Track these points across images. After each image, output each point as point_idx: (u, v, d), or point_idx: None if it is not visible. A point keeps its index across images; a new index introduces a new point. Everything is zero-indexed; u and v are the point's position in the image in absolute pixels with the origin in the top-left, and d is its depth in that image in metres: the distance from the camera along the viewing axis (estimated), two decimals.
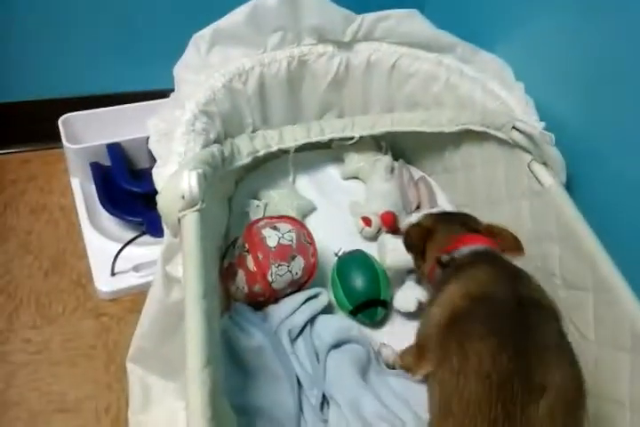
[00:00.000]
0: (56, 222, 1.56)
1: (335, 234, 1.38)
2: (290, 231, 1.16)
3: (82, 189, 1.57)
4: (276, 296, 1.17)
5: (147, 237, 1.46)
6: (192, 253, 0.88)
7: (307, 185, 1.50)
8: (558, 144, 1.16)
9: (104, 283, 1.39)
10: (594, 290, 1.07)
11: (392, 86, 1.40)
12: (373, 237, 1.38)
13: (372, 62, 1.35)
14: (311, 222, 1.40)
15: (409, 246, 1.16)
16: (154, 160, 1.09)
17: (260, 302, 1.17)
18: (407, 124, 1.39)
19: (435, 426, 0.87)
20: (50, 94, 1.66)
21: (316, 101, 1.39)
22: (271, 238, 1.14)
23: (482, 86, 1.33)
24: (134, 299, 1.37)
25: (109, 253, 1.40)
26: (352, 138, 1.39)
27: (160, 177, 1.04)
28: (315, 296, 1.19)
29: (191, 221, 0.93)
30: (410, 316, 1.24)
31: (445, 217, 1.20)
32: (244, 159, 1.24)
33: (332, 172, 1.56)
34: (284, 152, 1.37)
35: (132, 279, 1.39)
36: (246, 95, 1.26)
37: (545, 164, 1.21)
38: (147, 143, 1.13)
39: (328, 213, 1.45)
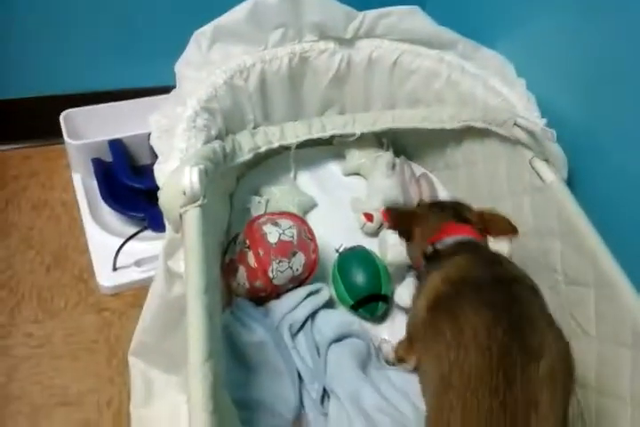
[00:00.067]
0: (58, 218, 1.57)
1: (336, 230, 1.38)
2: (291, 227, 1.17)
3: (83, 184, 1.58)
4: (277, 292, 1.18)
5: (148, 232, 1.46)
6: (194, 249, 0.89)
7: (308, 181, 1.50)
8: (559, 140, 1.16)
9: (106, 278, 1.39)
10: (595, 286, 1.07)
11: (393, 83, 1.40)
12: (374, 233, 1.39)
13: (374, 59, 1.35)
14: (312, 219, 1.40)
15: (399, 232, 1.16)
16: (155, 156, 1.10)
17: (262, 297, 1.18)
18: (408, 121, 1.39)
19: (434, 404, 0.87)
20: (51, 91, 1.66)
21: (318, 98, 1.39)
22: (272, 235, 1.14)
23: (483, 83, 1.33)
24: (136, 294, 1.37)
25: (111, 249, 1.41)
26: (353, 134, 1.40)
27: (161, 173, 1.04)
28: (316, 291, 1.19)
29: (193, 216, 0.93)
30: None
31: (437, 205, 1.20)
32: (246, 155, 1.24)
33: (333, 168, 1.56)
34: (285, 148, 1.37)
35: (134, 274, 1.40)
36: (247, 92, 1.26)
37: (546, 160, 1.21)
38: (148, 139, 1.14)
39: (329, 209, 1.45)
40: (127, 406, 1.09)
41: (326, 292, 1.20)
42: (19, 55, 1.57)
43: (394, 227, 1.16)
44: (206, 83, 1.18)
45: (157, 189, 1.00)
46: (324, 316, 1.17)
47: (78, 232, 1.50)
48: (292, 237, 1.15)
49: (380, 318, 1.26)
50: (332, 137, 1.42)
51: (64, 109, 1.58)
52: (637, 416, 0.97)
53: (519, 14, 1.34)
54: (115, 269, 1.40)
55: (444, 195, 1.53)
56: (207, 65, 1.20)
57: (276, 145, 1.31)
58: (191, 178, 0.94)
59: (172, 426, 0.96)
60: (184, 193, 0.94)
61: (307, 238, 1.19)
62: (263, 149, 1.29)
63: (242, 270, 1.15)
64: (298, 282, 1.19)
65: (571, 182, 1.21)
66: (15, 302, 1.37)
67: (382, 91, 1.41)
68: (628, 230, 1.11)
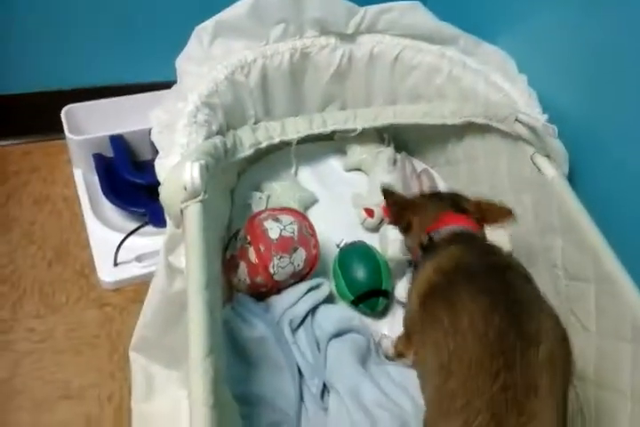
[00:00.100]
0: (59, 213, 1.57)
1: (337, 226, 1.38)
2: (291, 223, 1.17)
3: (84, 179, 1.58)
4: (278, 287, 1.18)
5: (149, 228, 1.46)
6: (194, 244, 0.89)
7: (309, 177, 1.50)
8: (561, 136, 1.16)
9: (107, 273, 1.40)
10: (595, 281, 1.07)
11: (395, 79, 1.40)
12: (375, 229, 1.39)
13: (375, 54, 1.35)
14: (313, 214, 1.40)
15: (397, 223, 1.17)
16: (156, 152, 1.10)
17: (263, 292, 1.18)
18: (410, 117, 1.39)
19: (434, 397, 0.87)
20: (52, 86, 1.66)
21: (319, 93, 1.39)
22: (273, 230, 1.14)
23: (484, 78, 1.32)
24: (137, 289, 1.38)
25: (112, 244, 1.41)
26: (354, 130, 1.39)
27: (162, 168, 1.04)
28: (316, 287, 1.19)
29: (193, 212, 0.94)
30: None
31: (436, 195, 1.20)
32: (247, 151, 1.24)
33: (334, 164, 1.56)
34: (286, 144, 1.37)
35: (135, 269, 1.40)
36: (248, 87, 1.26)
37: (547, 156, 1.21)
38: (149, 135, 1.14)
39: (330, 204, 1.45)
40: (128, 400, 1.10)
41: (327, 287, 1.20)
42: (19, 50, 1.57)
43: (393, 218, 1.16)
44: (207, 78, 1.18)
45: (158, 184, 1.01)
46: (324, 311, 1.17)
47: (79, 227, 1.51)
48: (293, 232, 1.15)
49: (381, 314, 1.26)
50: (333, 132, 1.42)
51: (65, 105, 1.58)
52: (637, 410, 0.97)
53: (520, 9, 1.33)
54: (116, 264, 1.40)
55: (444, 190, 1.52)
56: (208, 60, 1.20)
57: (276, 140, 1.31)
58: (192, 173, 0.94)
59: (173, 421, 0.96)
60: (185, 188, 0.94)
61: (307, 234, 1.19)
62: (264, 144, 1.28)
63: (243, 266, 1.15)
64: (299, 277, 1.19)
65: (572, 178, 1.21)
66: (17, 297, 1.38)
67: (383, 86, 1.41)
68: (629, 226, 1.11)
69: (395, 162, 1.50)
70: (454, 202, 1.12)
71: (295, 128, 1.34)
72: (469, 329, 0.84)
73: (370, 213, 1.37)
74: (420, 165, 1.58)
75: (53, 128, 1.57)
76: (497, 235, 1.23)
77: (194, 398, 0.73)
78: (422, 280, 0.99)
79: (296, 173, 1.49)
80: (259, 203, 1.38)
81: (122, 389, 1.22)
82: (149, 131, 1.14)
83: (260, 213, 1.22)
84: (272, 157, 1.48)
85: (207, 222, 0.94)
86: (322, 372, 1.08)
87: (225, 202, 1.34)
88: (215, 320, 0.84)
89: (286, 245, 1.14)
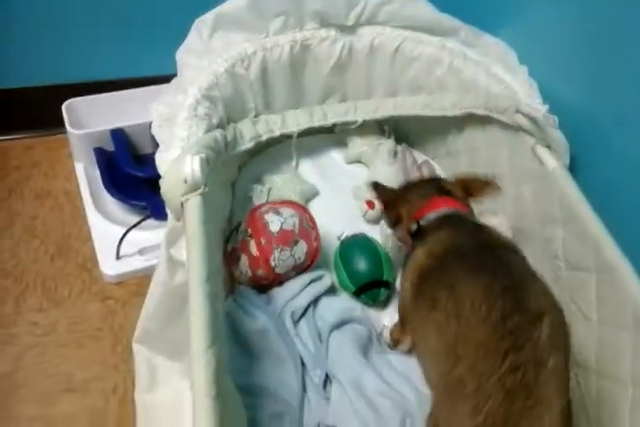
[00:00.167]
0: (61, 207, 1.57)
1: (338, 218, 1.39)
2: (292, 216, 1.17)
3: (86, 173, 1.58)
4: (279, 280, 1.18)
5: (151, 221, 1.46)
6: (195, 237, 0.89)
7: (310, 170, 1.50)
8: (562, 127, 1.16)
9: (109, 267, 1.40)
10: (596, 271, 1.07)
11: (395, 70, 1.39)
12: (376, 221, 1.39)
13: (376, 46, 1.34)
14: (314, 207, 1.40)
15: (387, 217, 1.17)
16: (157, 145, 1.10)
17: (264, 285, 1.18)
18: (410, 108, 1.39)
19: (441, 378, 0.87)
20: (52, 80, 1.66)
21: (319, 86, 1.39)
22: (274, 224, 1.14)
23: (485, 70, 1.32)
24: (139, 282, 1.38)
25: (114, 237, 1.41)
26: (355, 122, 1.39)
27: (163, 161, 1.04)
28: (318, 278, 1.19)
29: (194, 205, 0.94)
30: None
31: (417, 184, 1.20)
32: (247, 144, 1.24)
33: (334, 156, 1.56)
34: (286, 137, 1.37)
35: (137, 263, 1.41)
36: (249, 80, 1.26)
37: (548, 146, 1.21)
38: (150, 128, 1.14)
39: (331, 197, 1.45)
40: (132, 392, 1.10)
41: (328, 279, 1.20)
42: (20, 45, 1.57)
43: (384, 211, 1.16)
44: (207, 71, 1.18)
45: (159, 177, 1.01)
46: (325, 302, 1.18)
47: (81, 221, 1.51)
48: (294, 225, 1.15)
49: (383, 305, 1.26)
50: (334, 125, 1.42)
51: (66, 99, 1.58)
52: (638, 399, 0.97)
53: (521, 1, 1.33)
54: (118, 257, 1.40)
55: None
56: (208, 53, 1.20)
57: (277, 133, 1.31)
58: (192, 166, 0.94)
59: (177, 412, 0.96)
60: (185, 181, 0.94)
61: (308, 227, 1.19)
62: (264, 137, 1.28)
63: (244, 259, 1.15)
64: (300, 270, 1.19)
65: (573, 168, 1.21)
66: (20, 291, 1.38)
67: (384, 78, 1.41)
68: (630, 216, 1.11)
69: (395, 154, 1.50)
70: (438, 186, 1.12)
71: (296, 121, 1.34)
72: (472, 311, 0.84)
73: (371, 205, 1.38)
74: (420, 157, 1.58)
75: (54, 122, 1.57)
76: (498, 226, 1.24)
77: (196, 390, 0.73)
78: (414, 266, 0.99)
79: (297, 166, 1.49)
80: (259, 196, 1.38)
81: (125, 381, 1.23)
82: (150, 124, 1.14)
83: (260, 206, 1.22)
84: (273, 150, 1.48)
85: (208, 215, 0.94)
86: (324, 362, 1.08)
87: (226, 195, 1.34)
88: (217, 312, 0.84)
89: (287, 238, 1.14)
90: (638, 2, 1.02)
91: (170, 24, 1.31)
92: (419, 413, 1.01)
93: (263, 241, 1.13)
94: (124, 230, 1.42)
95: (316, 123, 1.35)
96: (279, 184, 1.40)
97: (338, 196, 1.45)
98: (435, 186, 1.12)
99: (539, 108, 1.21)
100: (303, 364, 1.08)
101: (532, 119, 1.20)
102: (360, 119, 1.39)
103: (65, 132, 1.55)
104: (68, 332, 1.31)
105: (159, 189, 0.99)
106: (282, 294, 1.16)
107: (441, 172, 1.55)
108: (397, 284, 1.25)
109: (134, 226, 1.43)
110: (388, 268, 1.23)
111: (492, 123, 1.33)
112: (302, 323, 1.14)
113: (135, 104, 1.57)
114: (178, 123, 1.09)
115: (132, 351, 1.11)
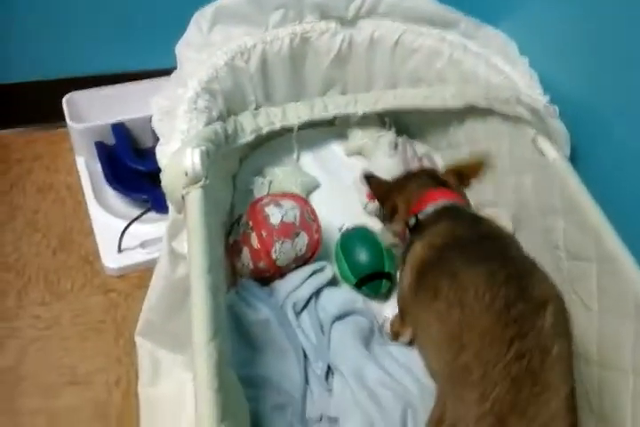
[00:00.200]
0: (62, 201, 1.57)
1: (339, 210, 1.39)
2: (293, 208, 1.17)
3: (87, 167, 1.58)
4: (281, 272, 1.18)
5: (153, 215, 1.47)
6: (196, 229, 0.89)
7: (311, 162, 1.50)
8: (562, 117, 1.16)
9: (111, 260, 1.41)
10: (597, 261, 1.07)
11: (395, 63, 1.39)
12: (377, 213, 1.39)
13: (376, 39, 1.34)
14: (315, 199, 1.40)
15: (384, 210, 1.17)
16: (158, 139, 1.10)
17: (266, 277, 1.19)
18: (410, 100, 1.38)
19: (445, 367, 0.87)
20: (53, 74, 1.66)
21: (319, 79, 1.39)
22: (274, 216, 1.15)
23: (485, 61, 1.31)
24: (141, 275, 1.39)
25: (116, 231, 1.42)
26: (355, 114, 1.39)
27: (163, 154, 1.04)
28: (319, 270, 1.20)
29: (195, 197, 0.94)
30: None
31: (411, 176, 1.19)
32: (248, 137, 1.24)
33: (335, 148, 1.55)
34: (287, 130, 1.36)
35: (139, 256, 1.41)
36: (249, 73, 1.26)
37: (549, 137, 1.21)
38: (151, 122, 1.14)
39: (332, 189, 1.45)
40: (135, 385, 1.10)
41: (329, 270, 1.21)
42: (20, 39, 1.57)
43: (380, 203, 1.16)
44: (207, 64, 1.17)
45: (160, 171, 1.01)
46: (327, 294, 1.18)
47: (83, 215, 1.51)
48: (295, 217, 1.16)
49: (384, 297, 1.27)
50: (335, 118, 1.42)
51: (67, 93, 1.58)
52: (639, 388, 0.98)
53: None
54: (120, 250, 1.41)
55: None
56: (208, 46, 1.19)
57: (278, 126, 1.31)
58: (193, 159, 0.95)
59: (179, 404, 0.97)
60: (186, 174, 0.94)
61: (309, 219, 1.19)
62: (265, 130, 1.28)
63: (245, 251, 1.16)
64: (301, 262, 1.19)
65: (573, 159, 1.20)
66: (22, 285, 1.39)
67: (384, 70, 1.41)
68: (631, 206, 1.11)
69: (396, 146, 1.49)
70: (432, 178, 1.12)
71: (296, 113, 1.34)
72: (475, 299, 0.85)
73: (371, 196, 1.37)
74: (421, 149, 1.58)
75: (56, 116, 1.56)
76: (499, 217, 1.24)
77: (198, 382, 0.73)
78: (414, 259, 0.99)
79: (298, 159, 1.49)
80: (261, 188, 1.38)
81: (129, 373, 1.23)
82: (151, 118, 1.14)
83: (261, 198, 1.23)
84: (273, 143, 1.48)
85: (209, 208, 0.94)
86: (326, 354, 1.08)
87: (227, 187, 1.34)
88: (219, 304, 0.85)
89: (288, 231, 1.14)
90: None
91: (170, 17, 1.30)
92: (420, 404, 1.02)
93: (264, 233, 1.14)
94: (125, 224, 1.43)
95: (317, 115, 1.35)
96: (280, 177, 1.40)
97: (339, 188, 1.45)
98: (430, 177, 1.12)
99: (539, 98, 1.20)
100: (305, 356, 1.09)
101: (533, 110, 1.19)
102: (360, 111, 1.38)
103: (66, 125, 1.55)
104: (70, 325, 1.32)
105: (160, 182, 0.99)
106: (283, 285, 1.16)
107: (442, 164, 1.54)
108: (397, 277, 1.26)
109: (135, 219, 1.43)
110: (389, 259, 1.23)
111: (492, 114, 1.33)
112: (304, 315, 1.14)
113: (136, 97, 1.57)
114: (178, 116, 1.09)
115: (134, 344, 1.12)
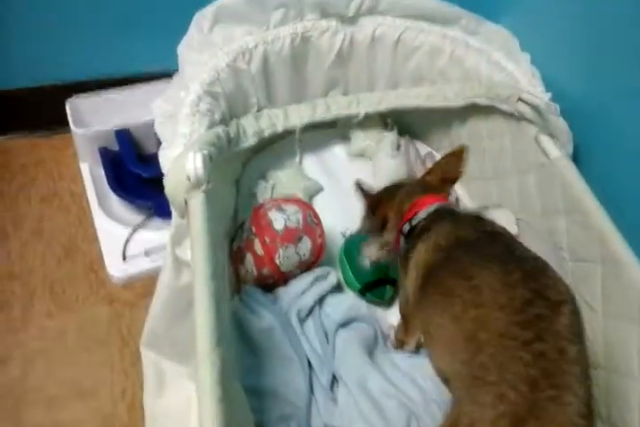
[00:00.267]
0: (67, 208, 1.56)
1: (342, 215, 1.36)
2: (296, 213, 1.16)
3: (91, 173, 1.57)
4: (285, 279, 1.17)
5: (157, 222, 1.46)
6: (199, 234, 0.88)
7: (313, 165, 1.48)
8: (564, 115, 1.15)
9: (116, 268, 1.39)
10: (602, 262, 1.06)
11: (397, 61, 1.38)
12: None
13: (377, 37, 1.33)
14: (318, 203, 1.39)
15: (374, 223, 1.15)
16: (161, 144, 1.09)
17: (270, 283, 1.17)
18: (413, 100, 1.37)
19: (462, 367, 0.85)
20: (54, 79, 1.65)
21: (321, 78, 1.37)
22: (277, 221, 1.13)
23: (487, 58, 1.30)
24: (146, 284, 1.36)
25: (120, 238, 1.41)
26: (357, 115, 1.37)
27: (166, 159, 1.04)
28: (323, 276, 1.18)
29: (197, 202, 0.93)
30: None
31: (397, 185, 1.16)
32: (250, 140, 1.22)
33: (338, 151, 1.54)
34: (289, 133, 1.35)
35: (144, 264, 1.39)
36: (250, 74, 1.25)
37: (551, 135, 1.19)
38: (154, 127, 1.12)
39: (335, 193, 1.43)
40: (141, 396, 1.08)
41: (334, 277, 1.19)
42: (21, 44, 1.56)
43: (371, 213, 1.14)
44: (208, 66, 1.16)
45: (164, 176, 1.00)
46: (332, 300, 1.17)
47: (87, 222, 1.50)
48: (298, 222, 1.14)
49: (389, 303, 1.25)
50: (337, 120, 1.40)
51: (68, 98, 1.58)
52: None
53: None
54: (124, 258, 1.39)
55: None
56: (209, 47, 1.18)
57: (280, 129, 1.29)
58: (195, 163, 0.93)
59: (185, 415, 0.95)
60: (188, 179, 0.93)
61: (313, 223, 1.18)
62: (267, 132, 1.27)
63: (249, 258, 1.14)
64: (305, 267, 1.18)
65: (575, 157, 1.19)
66: (28, 296, 1.37)
67: (386, 69, 1.39)
68: (635, 206, 1.10)
69: (398, 147, 1.48)
70: (418, 183, 1.11)
71: (298, 114, 1.32)
72: (492, 300, 0.83)
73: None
74: (424, 149, 1.57)
75: (57, 122, 1.56)
76: (504, 219, 1.24)
77: (202, 391, 0.72)
78: (419, 262, 0.97)
79: (301, 162, 1.48)
80: (264, 192, 1.37)
81: (134, 385, 1.22)
82: (154, 123, 1.13)
83: (263, 203, 1.21)
84: (276, 146, 1.46)
85: (212, 213, 0.93)
86: (331, 363, 1.07)
87: (230, 192, 1.33)
88: (222, 312, 0.84)
89: (291, 236, 1.13)
90: None
91: (171, 19, 1.29)
92: (424, 412, 1.02)
93: (267, 239, 1.12)
94: (129, 231, 1.42)
95: (319, 116, 1.33)
96: (283, 180, 1.39)
97: (341, 192, 1.43)
98: (415, 184, 1.11)
99: (541, 96, 1.19)
100: (310, 365, 1.07)
101: (535, 107, 1.18)
102: (363, 111, 1.37)
103: (68, 131, 1.54)
104: (75, 336, 1.31)
105: (164, 188, 0.98)
106: (287, 292, 1.15)
107: None
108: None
109: (139, 226, 1.43)
110: (393, 266, 1.21)
111: (494, 113, 1.31)
112: (309, 321, 1.13)
113: (139, 101, 1.56)
114: (180, 119, 1.08)
115: (139, 355, 1.10)
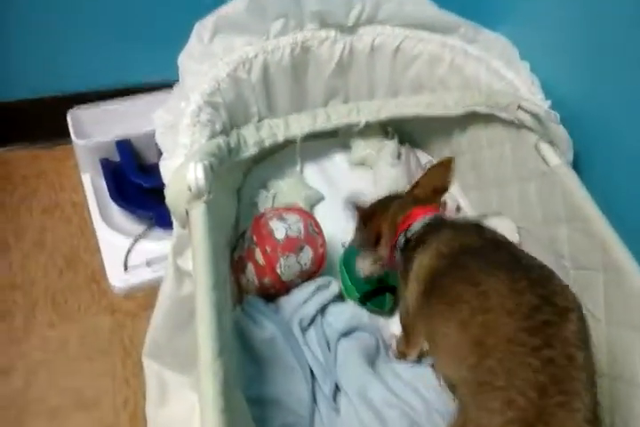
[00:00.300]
0: (68, 219, 1.57)
1: (343, 224, 1.34)
2: (297, 222, 1.15)
3: (93, 184, 1.58)
4: (286, 288, 1.17)
5: (158, 232, 1.46)
6: (201, 245, 0.88)
7: (314, 174, 1.48)
8: (564, 123, 1.15)
9: (117, 278, 1.39)
10: (604, 270, 1.05)
11: (397, 70, 1.38)
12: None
13: (376, 46, 1.33)
14: (319, 212, 1.39)
15: (367, 238, 1.14)
16: (162, 155, 1.09)
17: (272, 293, 1.17)
18: (413, 108, 1.37)
19: (469, 372, 0.84)
20: (56, 91, 1.66)
21: (321, 88, 1.37)
22: (279, 231, 1.13)
23: (486, 66, 1.31)
24: (148, 295, 1.36)
25: (122, 249, 1.41)
26: (358, 124, 1.37)
27: (167, 169, 1.04)
28: (325, 285, 1.18)
29: (199, 212, 0.93)
30: None
31: (387, 199, 1.16)
32: (251, 150, 1.22)
33: (339, 160, 1.54)
34: (290, 142, 1.35)
35: (146, 274, 1.39)
36: (251, 84, 1.25)
37: (551, 143, 1.19)
38: (155, 138, 1.13)
39: (335, 202, 1.41)
40: (143, 407, 1.07)
41: (335, 286, 1.19)
42: (22, 56, 1.57)
43: (364, 228, 1.14)
44: (209, 76, 1.16)
45: (165, 187, 1.00)
46: (334, 309, 1.16)
47: (89, 233, 1.50)
48: (299, 231, 1.14)
49: (390, 313, 1.24)
50: (337, 129, 1.40)
51: (69, 109, 1.58)
52: None
53: None
54: (126, 268, 1.39)
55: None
56: (209, 57, 1.19)
57: (281, 139, 1.29)
58: (196, 174, 0.93)
59: (187, 426, 0.95)
60: (189, 189, 0.93)
61: (314, 232, 1.17)
62: (268, 142, 1.27)
63: (250, 267, 1.14)
64: (307, 276, 1.17)
65: (576, 165, 1.19)
66: (30, 307, 1.37)
67: (385, 78, 1.39)
68: (636, 213, 1.09)
69: (399, 155, 1.48)
70: (408, 196, 1.10)
71: (299, 124, 1.32)
72: (499, 306, 0.82)
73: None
74: (424, 157, 1.56)
75: (58, 133, 1.57)
76: (505, 228, 1.23)
77: (204, 402, 0.71)
78: (422, 271, 0.96)
79: (302, 171, 1.48)
80: (265, 201, 1.37)
81: (136, 395, 1.22)
82: (154, 133, 1.13)
83: (265, 213, 1.21)
84: (277, 156, 1.46)
85: (213, 223, 0.93)
86: (333, 373, 1.06)
87: (231, 202, 1.33)
88: (224, 322, 0.84)
89: (293, 245, 1.13)
90: None
91: (171, 29, 1.29)
92: (426, 421, 1.01)
93: (269, 249, 1.12)
94: (131, 241, 1.42)
95: (320, 125, 1.33)
96: (284, 189, 1.39)
97: (342, 201, 1.42)
98: (405, 198, 1.10)
99: (540, 103, 1.19)
100: (313, 374, 1.07)
101: (535, 115, 1.18)
102: (363, 120, 1.37)
103: (69, 142, 1.54)
104: (78, 346, 1.31)
105: (165, 198, 0.98)
106: (289, 301, 1.14)
107: None
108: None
109: (140, 237, 1.43)
110: (393, 273, 1.20)
111: (494, 121, 1.31)
112: (311, 331, 1.12)
113: (140, 111, 1.56)
114: (181, 130, 1.08)
115: (142, 365, 1.10)
